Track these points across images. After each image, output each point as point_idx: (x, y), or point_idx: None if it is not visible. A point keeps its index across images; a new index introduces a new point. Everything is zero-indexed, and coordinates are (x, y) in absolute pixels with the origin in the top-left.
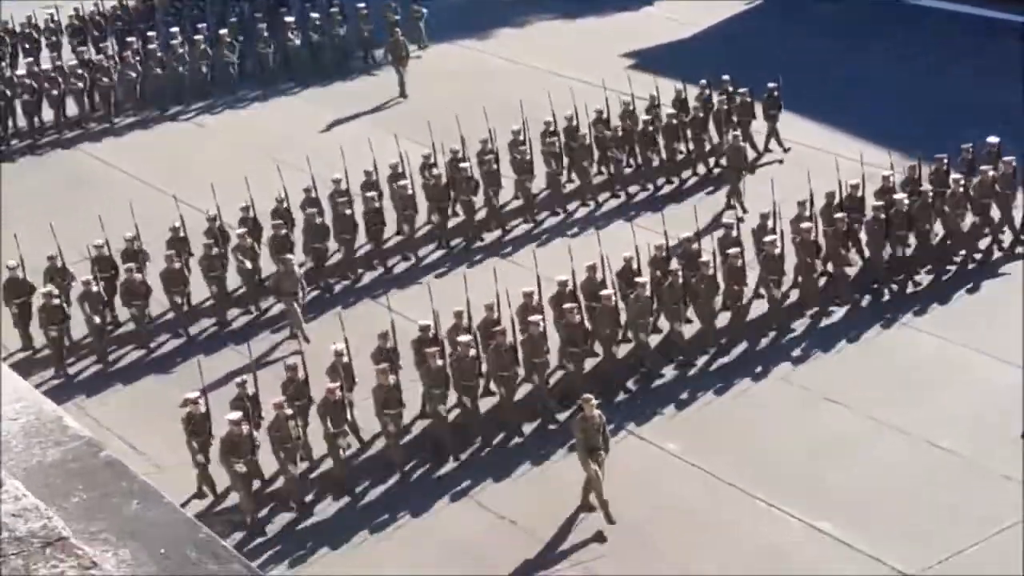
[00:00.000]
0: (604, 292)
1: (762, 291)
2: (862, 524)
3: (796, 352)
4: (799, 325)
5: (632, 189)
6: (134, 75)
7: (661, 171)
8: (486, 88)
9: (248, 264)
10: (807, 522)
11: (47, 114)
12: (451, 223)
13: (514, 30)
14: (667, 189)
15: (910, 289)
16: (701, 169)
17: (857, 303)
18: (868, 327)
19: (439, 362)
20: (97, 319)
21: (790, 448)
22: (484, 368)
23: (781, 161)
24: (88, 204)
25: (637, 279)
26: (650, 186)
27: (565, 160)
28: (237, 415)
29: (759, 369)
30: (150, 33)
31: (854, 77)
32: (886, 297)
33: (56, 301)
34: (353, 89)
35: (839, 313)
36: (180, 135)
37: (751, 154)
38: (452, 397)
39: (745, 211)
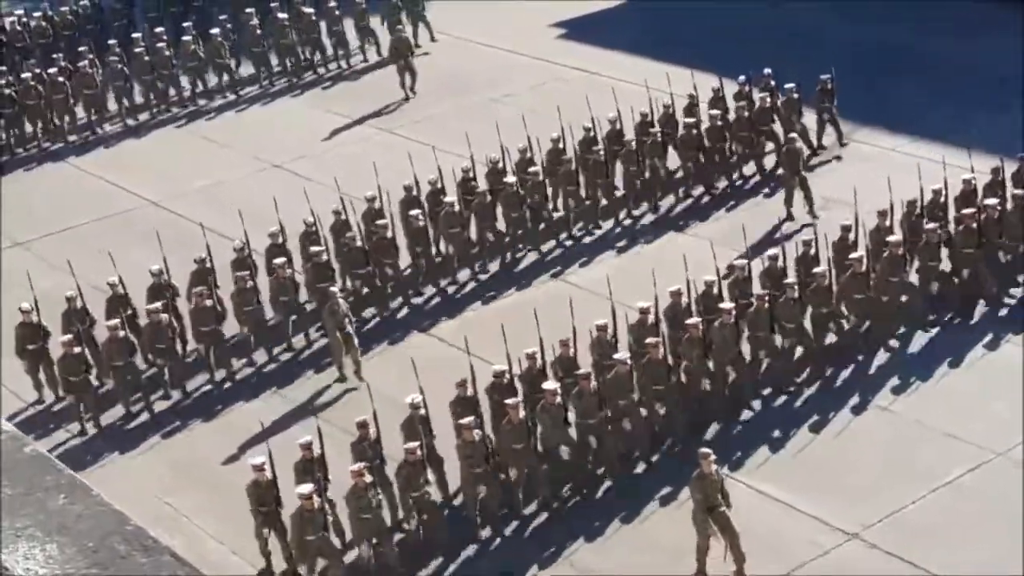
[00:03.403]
0: (690, 321)
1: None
2: (805, 486)
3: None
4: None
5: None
6: (121, 81)
7: (707, 176)
8: (443, 69)
9: (288, 297)
10: (750, 485)
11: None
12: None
13: (441, 1)
14: (715, 196)
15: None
16: (747, 172)
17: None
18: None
19: (521, 415)
20: (122, 363)
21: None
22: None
23: (839, 157)
24: (90, 227)
25: (721, 304)
26: (694, 193)
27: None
28: (308, 488)
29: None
30: (134, 35)
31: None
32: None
33: (77, 349)
34: (357, 90)
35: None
36: (176, 144)
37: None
38: None
39: (792, 218)
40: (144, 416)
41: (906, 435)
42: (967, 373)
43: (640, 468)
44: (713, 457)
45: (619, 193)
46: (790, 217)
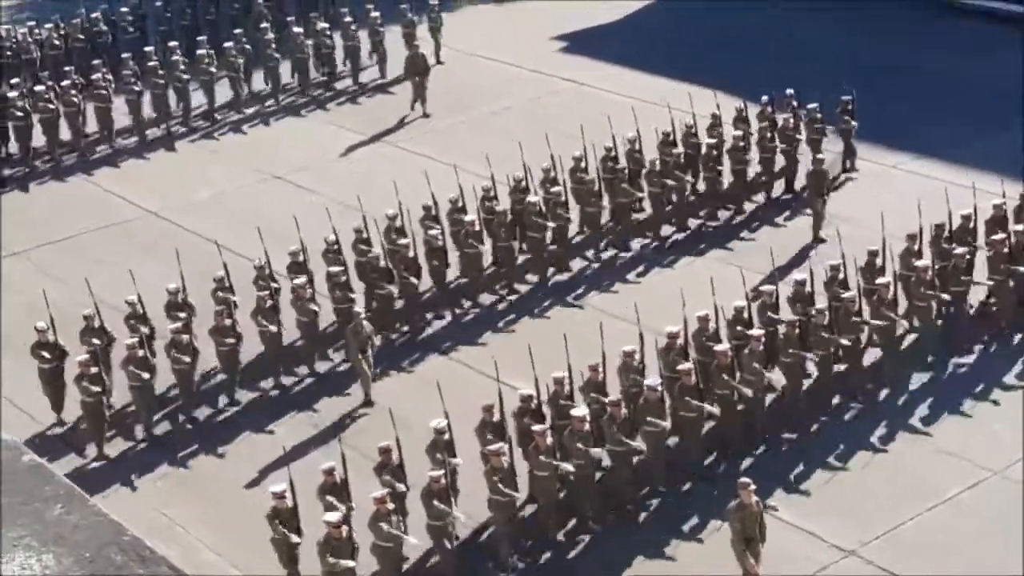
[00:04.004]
0: (720, 347)
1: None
2: (802, 502)
3: None
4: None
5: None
6: (135, 95)
7: (728, 197)
8: (449, 83)
9: (308, 317)
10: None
11: (38, 139)
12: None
13: (444, 15)
14: (736, 217)
15: None
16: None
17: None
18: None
19: (549, 441)
20: (140, 384)
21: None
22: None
23: (855, 170)
24: (103, 244)
25: (751, 331)
26: (718, 215)
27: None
28: (336, 516)
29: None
30: (147, 49)
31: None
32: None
33: (95, 369)
34: (369, 106)
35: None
36: (190, 160)
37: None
38: None
39: (823, 240)
40: (161, 435)
41: (906, 454)
42: (982, 399)
43: (658, 497)
44: (753, 487)
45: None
46: (820, 240)
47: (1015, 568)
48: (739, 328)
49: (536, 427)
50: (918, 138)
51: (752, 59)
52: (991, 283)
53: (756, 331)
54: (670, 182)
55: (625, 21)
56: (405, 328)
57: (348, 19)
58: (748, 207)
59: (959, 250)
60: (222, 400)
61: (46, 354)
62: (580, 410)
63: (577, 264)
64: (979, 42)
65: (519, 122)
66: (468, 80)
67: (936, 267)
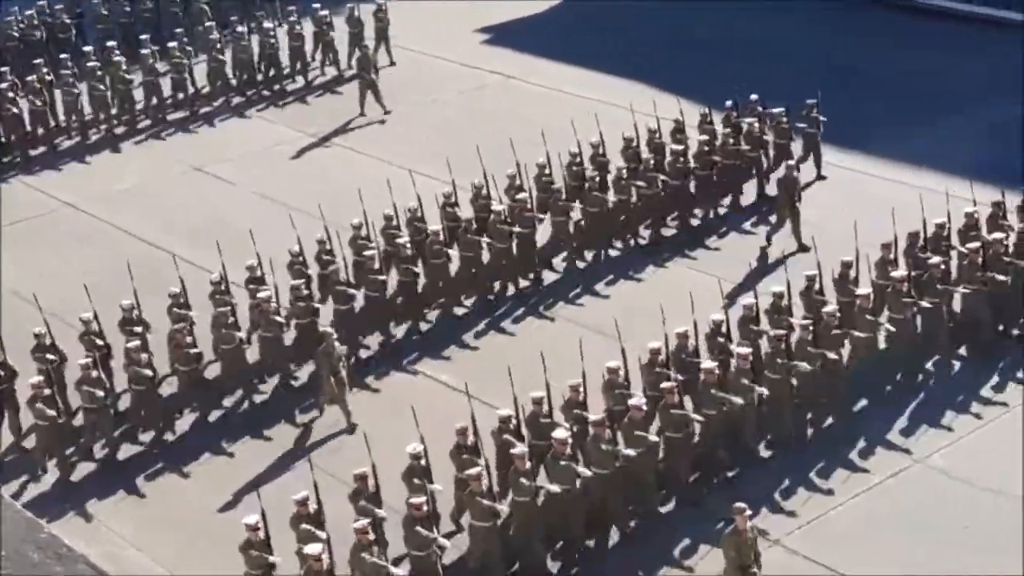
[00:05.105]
0: (706, 364)
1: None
2: (727, 492)
3: None
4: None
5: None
6: (75, 94)
7: (695, 204)
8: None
9: (271, 333)
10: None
11: None
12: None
13: (367, 5)
14: (704, 224)
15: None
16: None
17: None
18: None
19: (528, 464)
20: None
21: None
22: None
23: (823, 177)
24: (44, 252)
25: (737, 348)
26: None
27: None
28: (317, 548)
29: None
30: (86, 48)
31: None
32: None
33: (48, 391)
34: (315, 106)
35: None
36: (133, 162)
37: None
38: None
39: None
40: (117, 459)
41: (836, 447)
42: (960, 411)
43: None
44: (749, 512)
45: None
46: (765, 242)
47: (926, 551)
48: (719, 341)
49: (514, 450)
50: (887, 142)
51: (678, 48)
52: (967, 292)
53: (742, 349)
54: (640, 184)
55: (551, 13)
56: (375, 342)
57: (294, 18)
58: (714, 214)
59: (934, 259)
60: (185, 420)
61: None
62: (561, 431)
63: (546, 273)
64: (942, 43)
65: (454, 116)
66: (396, 74)
67: (912, 276)
